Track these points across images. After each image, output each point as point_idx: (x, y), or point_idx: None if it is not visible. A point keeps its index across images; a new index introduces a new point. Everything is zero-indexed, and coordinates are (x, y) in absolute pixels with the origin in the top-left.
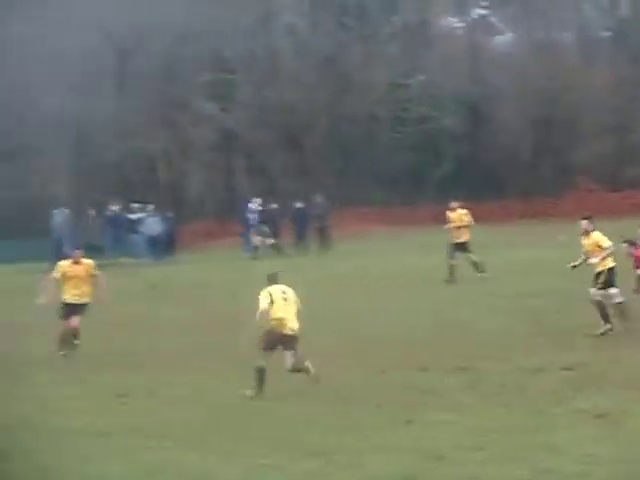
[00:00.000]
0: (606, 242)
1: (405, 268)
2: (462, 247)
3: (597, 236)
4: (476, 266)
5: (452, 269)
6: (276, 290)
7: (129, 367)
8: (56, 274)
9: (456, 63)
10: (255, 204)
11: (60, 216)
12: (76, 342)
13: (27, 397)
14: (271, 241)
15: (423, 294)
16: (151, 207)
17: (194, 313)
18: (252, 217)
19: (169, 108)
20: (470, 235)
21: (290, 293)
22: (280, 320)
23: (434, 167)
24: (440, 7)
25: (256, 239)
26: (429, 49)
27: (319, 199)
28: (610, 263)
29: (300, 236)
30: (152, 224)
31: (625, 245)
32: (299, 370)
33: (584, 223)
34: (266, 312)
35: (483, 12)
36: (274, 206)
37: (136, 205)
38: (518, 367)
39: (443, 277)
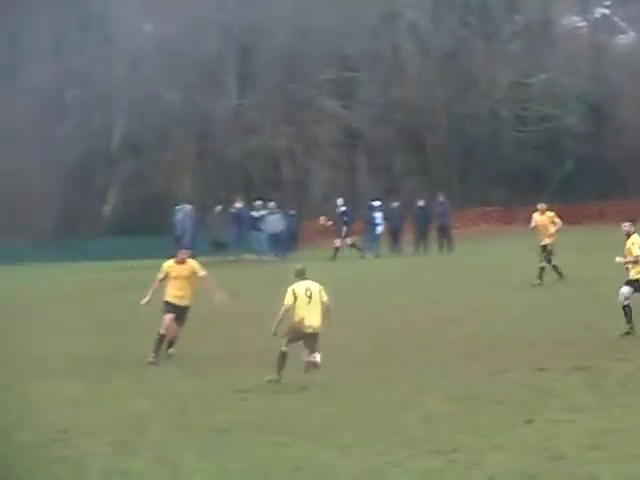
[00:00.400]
0: (636, 250)
1: (524, 267)
2: (544, 249)
3: (634, 240)
4: (556, 271)
5: (540, 272)
6: (301, 287)
7: (249, 364)
8: (160, 275)
9: (578, 62)
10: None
11: (182, 212)
12: (171, 352)
13: (145, 393)
14: (351, 240)
15: (542, 294)
16: (272, 204)
17: None
18: (375, 216)
19: (292, 105)
20: (555, 238)
21: (315, 290)
22: (302, 319)
23: (556, 166)
24: (563, 6)
25: (336, 241)
26: (551, 48)
27: (440, 198)
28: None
29: (421, 235)
30: (274, 221)
31: None
32: (309, 368)
33: (626, 225)
34: (288, 309)
35: (606, 11)
36: (395, 205)
37: (259, 202)
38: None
39: (559, 278)
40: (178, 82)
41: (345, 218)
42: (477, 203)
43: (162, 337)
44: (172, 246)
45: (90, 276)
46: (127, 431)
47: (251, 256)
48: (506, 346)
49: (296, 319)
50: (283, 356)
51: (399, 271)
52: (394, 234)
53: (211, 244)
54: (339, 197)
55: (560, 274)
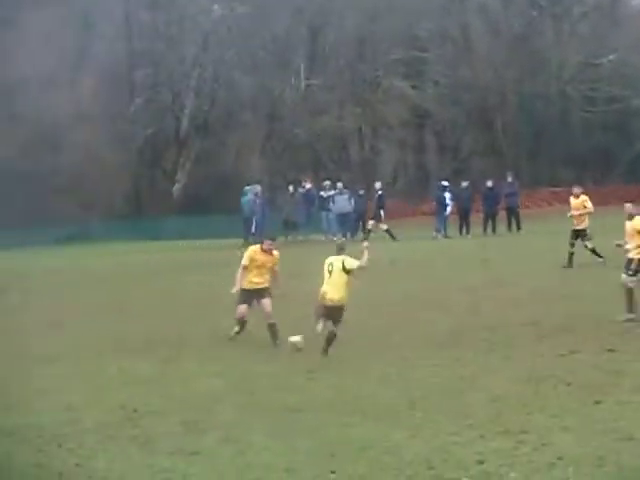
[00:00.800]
0: None
1: (599, 247)
2: (580, 234)
3: (637, 221)
4: (594, 252)
5: (570, 257)
6: (327, 262)
7: (318, 345)
8: (245, 262)
9: None
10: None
11: (251, 193)
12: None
13: (213, 373)
14: (384, 226)
15: (610, 276)
16: (340, 185)
17: (385, 291)
18: (445, 196)
19: (360, 86)
20: (588, 222)
21: (337, 265)
22: (323, 292)
23: (625, 147)
24: None
25: (370, 223)
26: (620, 28)
27: (509, 178)
28: None
29: (489, 215)
30: (342, 201)
31: None
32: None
33: (628, 206)
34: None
35: None
36: (465, 185)
37: (327, 182)
38: None
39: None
40: (247, 63)
41: (379, 202)
42: (546, 183)
43: (241, 321)
44: (241, 226)
45: (159, 255)
46: (196, 411)
47: (319, 236)
48: (574, 327)
49: (321, 293)
50: (330, 335)
51: (467, 252)
52: (463, 214)
53: (283, 224)
54: (377, 181)
55: (600, 256)
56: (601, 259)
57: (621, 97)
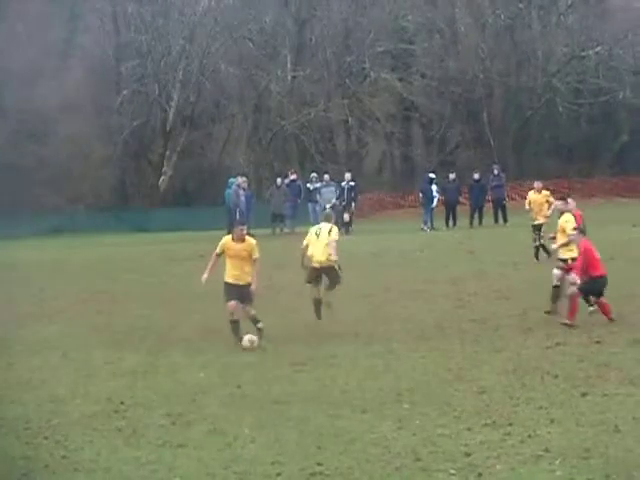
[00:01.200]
0: (570, 229)
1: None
2: (538, 228)
3: (565, 218)
4: (544, 249)
5: (536, 251)
6: (314, 229)
7: (304, 336)
8: (218, 250)
9: (634, 35)
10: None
11: (235, 185)
12: (259, 326)
13: (200, 365)
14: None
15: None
16: (327, 177)
17: (370, 283)
18: (432, 189)
19: (347, 77)
20: (548, 219)
21: (324, 230)
22: (311, 255)
23: (611, 139)
24: None
25: (345, 215)
26: (607, 21)
27: (495, 170)
28: (575, 253)
29: (476, 208)
30: (327, 194)
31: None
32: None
33: (558, 204)
34: (304, 249)
35: None
36: (452, 177)
37: (314, 175)
38: None
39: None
40: (234, 54)
41: (352, 194)
42: (532, 175)
43: (234, 322)
44: (225, 218)
45: (146, 247)
46: (183, 403)
47: (305, 229)
48: (561, 319)
49: (309, 256)
50: (315, 303)
51: (454, 244)
52: (450, 207)
53: (271, 217)
54: (347, 171)
55: (548, 253)
56: (548, 255)
57: (607, 89)
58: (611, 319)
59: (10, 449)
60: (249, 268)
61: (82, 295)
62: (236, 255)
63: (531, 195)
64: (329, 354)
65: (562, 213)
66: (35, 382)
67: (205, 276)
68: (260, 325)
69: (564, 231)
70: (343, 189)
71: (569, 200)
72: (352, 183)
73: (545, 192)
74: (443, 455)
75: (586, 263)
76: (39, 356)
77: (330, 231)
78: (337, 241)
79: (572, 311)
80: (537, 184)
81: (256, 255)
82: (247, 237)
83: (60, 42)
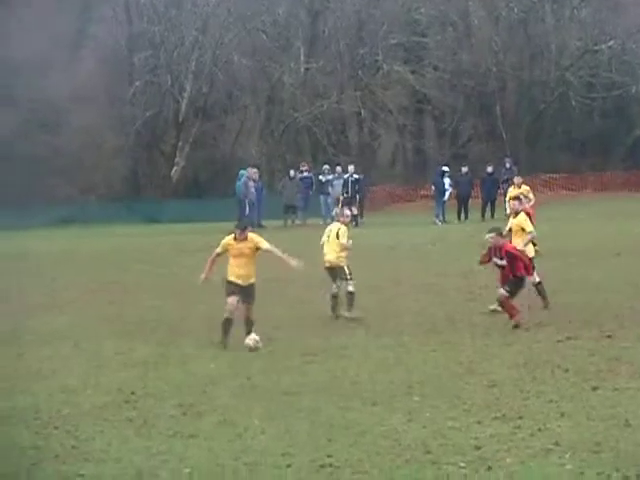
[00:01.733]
0: (529, 227)
1: (590, 234)
2: None
3: (521, 218)
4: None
5: None
6: (326, 230)
7: (316, 327)
8: (218, 250)
9: None
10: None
11: (246, 176)
12: (249, 343)
13: (211, 356)
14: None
15: (613, 262)
16: (339, 169)
17: (381, 276)
18: (445, 182)
19: (360, 70)
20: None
21: (334, 230)
22: (324, 255)
23: (624, 133)
24: None
25: (352, 208)
26: (620, 15)
27: (507, 164)
28: (532, 252)
29: (488, 201)
30: (339, 186)
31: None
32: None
33: (515, 203)
34: (322, 247)
35: None
36: (464, 170)
37: (326, 167)
38: None
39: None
40: (247, 46)
41: (357, 187)
42: (545, 169)
43: (227, 321)
44: (236, 210)
45: (157, 238)
46: (193, 394)
47: (318, 220)
48: (572, 313)
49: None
50: (332, 299)
51: (466, 237)
52: (462, 200)
53: (284, 208)
54: (350, 164)
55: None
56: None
57: (620, 83)
58: (517, 323)
59: (20, 439)
60: (253, 267)
61: (93, 285)
62: (240, 254)
63: (511, 191)
64: (340, 345)
65: (517, 213)
66: (45, 372)
67: (203, 276)
68: (250, 342)
69: (519, 231)
70: (347, 181)
71: (524, 200)
72: (356, 176)
73: (525, 187)
74: (453, 448)
75: (513, 264)
76: (50, 346)
77: (338, 232)
78: (347, 241)
79: (512, 312)
80: (517, 179)
81: (266, 246)
82: (249, 234)
83: (73, 33)
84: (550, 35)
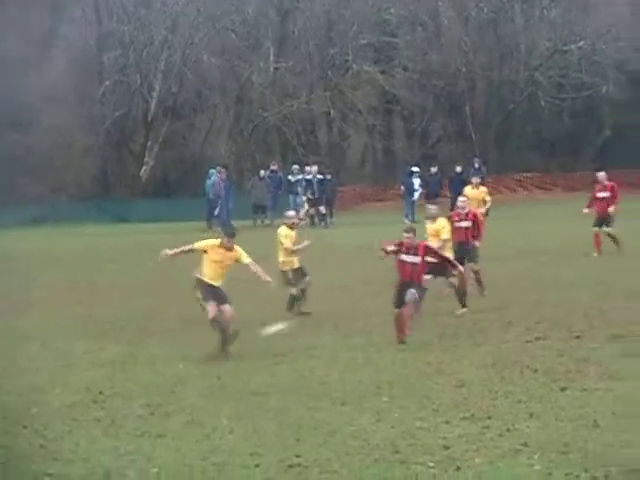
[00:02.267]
0: (445, 234)
1: (561, 234)
2: None
3: (440, 224)
4: None
5: None
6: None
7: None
8: (198, 246)
9: (616, 30)
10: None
11: (215, 176)
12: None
13: (180, 356)
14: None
15: (584, 262)
16: (315, 169)
17: (351, 276)
18: (414, 182)
19: (329, 70)
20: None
21: (280, 234)
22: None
23: (593, 134)
24: None
25: (321, 208)
26: (590, 15)
27: (476, 164)
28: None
29: (457, 200)
30: (310, 186)
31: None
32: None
33: (433, 208)
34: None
35: None
36: (434, 170)
37: (296, 167)
38: None
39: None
40: (216, 45)
41: (322, 187)
42: (514, 169)
43: (214, 322)
44: (205, 209)
45: (127, 238)
46: (162, 394)
47: None
48: (542, 313)
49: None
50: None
51: None
52: (432, 200)
53: (252, 208)
54: (314, 164)
55: None
56: None
57: (590, 84)
58: (403, 338)
59: None
60: (224, 274)
61: (64, 285)
62: (221, 260)
63: (468, 190)
64: (309, 346)
65: (435, 219)
66: (14, 371)
67: (168, 252)
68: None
69: (438, 235)
70: (310, 182)
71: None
72: (320, 176)
73: (483, 188)
74: (422, 448)
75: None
76: (20, 345)
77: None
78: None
79: (402, 327)
80: (475, 179)
81: (247, 260)
82: (235, 245)
83: (43, 32)
84: (519, 35)
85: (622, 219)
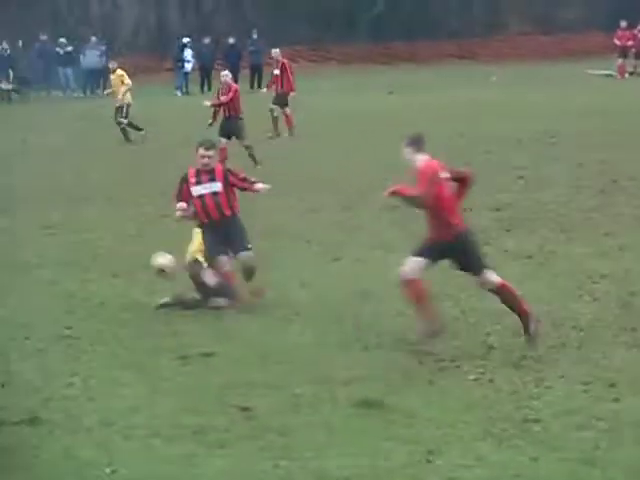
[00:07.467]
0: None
1: (342, 108)
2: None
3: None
4: (132, 126)
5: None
6: None
7: (56, 201)
8: None
9: None
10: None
11: None
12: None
13: None
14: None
15: (358, 134)
16: (94, 39)
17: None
18: (186, 53)
19: None
20: (126, 98)
21: None
22: None
23: (368, 6)
24: None
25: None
26: None
27: (254, 36)
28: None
29: (232, 72)
30: (92, 57)
31: None
32: None
33: None
34: None
35: None
36: (207, 42)
37: (63, 40)
38: None
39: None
40: None
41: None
42: (287, 42)
43: None
44: None
45: None
46: None
47: (59, 93)
48: (312, 185)
49: None
50: None
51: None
52: (205, 72)
53: (15, 80)
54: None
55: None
56: (142, 131)
57: None
58: None
59: None
60: None
61: None
62: None
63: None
64: (80, 218)
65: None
66: None
67: None
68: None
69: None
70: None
71: None
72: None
73: (120, 72)
74: None
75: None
76: None
77: None
78: None
79: None
80: (112, 64)
81: None
82: None
83: None
84: None
85: None
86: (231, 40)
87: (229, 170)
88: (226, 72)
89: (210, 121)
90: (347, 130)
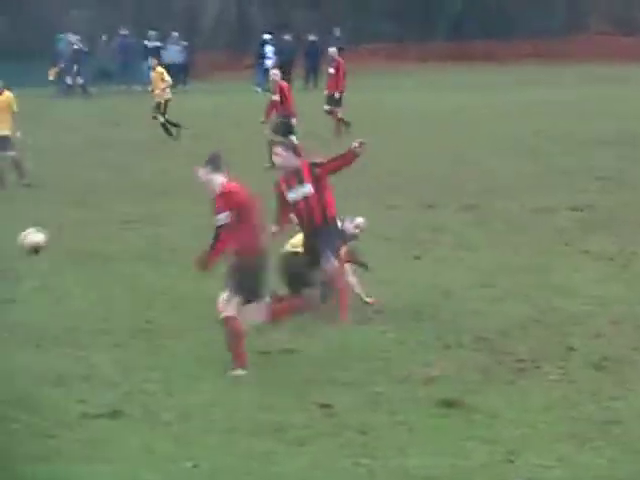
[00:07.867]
0: None
1: (421, 106)
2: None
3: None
4: (171, 123)
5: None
6: None
7: (136, 194)
8: None
9: None
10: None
11: (65, 42)
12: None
13: (31, 219)
14: (80, 81)
15: (437, 132)
16: (175, 35)
17: (198, 141)
18: (265, 49)
19: None
20: (166, 95)
21: None
22: None
23: (446, 5)
24: None
25: (68, 78)
26: None
27: (337, 33)
28: None
29: (311, 69)
30: (174, 52)
31: None
32: None
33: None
34: None
35: None
36: (287, 38)
37: (152, 32)
38: (526, 207)
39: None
40: None
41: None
42: (368, 39)
43: None
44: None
45: None
46: (12, 259)
47: (139, 87)
48: (393, 183)
49: None
50: None
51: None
52: (285, 68)
53: (97, 73)
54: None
55: (172, 129)
56: (179, 128)
57: None
58: None
59: None
60: (9, 120)
61: None
62: None
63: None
64: (159, 212)
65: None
66: None
67: None
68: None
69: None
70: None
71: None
72: (75, 47)
73: (160, 69)
74: None
75: None
76: None
77: None
78: None
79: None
80: (153, 62)
81: (15, 109)
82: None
83: None
84: None
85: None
86: (311, 37)
87: (314, 163)
88: (275, 71)
89: (262, 119)
90: (426, 128)
